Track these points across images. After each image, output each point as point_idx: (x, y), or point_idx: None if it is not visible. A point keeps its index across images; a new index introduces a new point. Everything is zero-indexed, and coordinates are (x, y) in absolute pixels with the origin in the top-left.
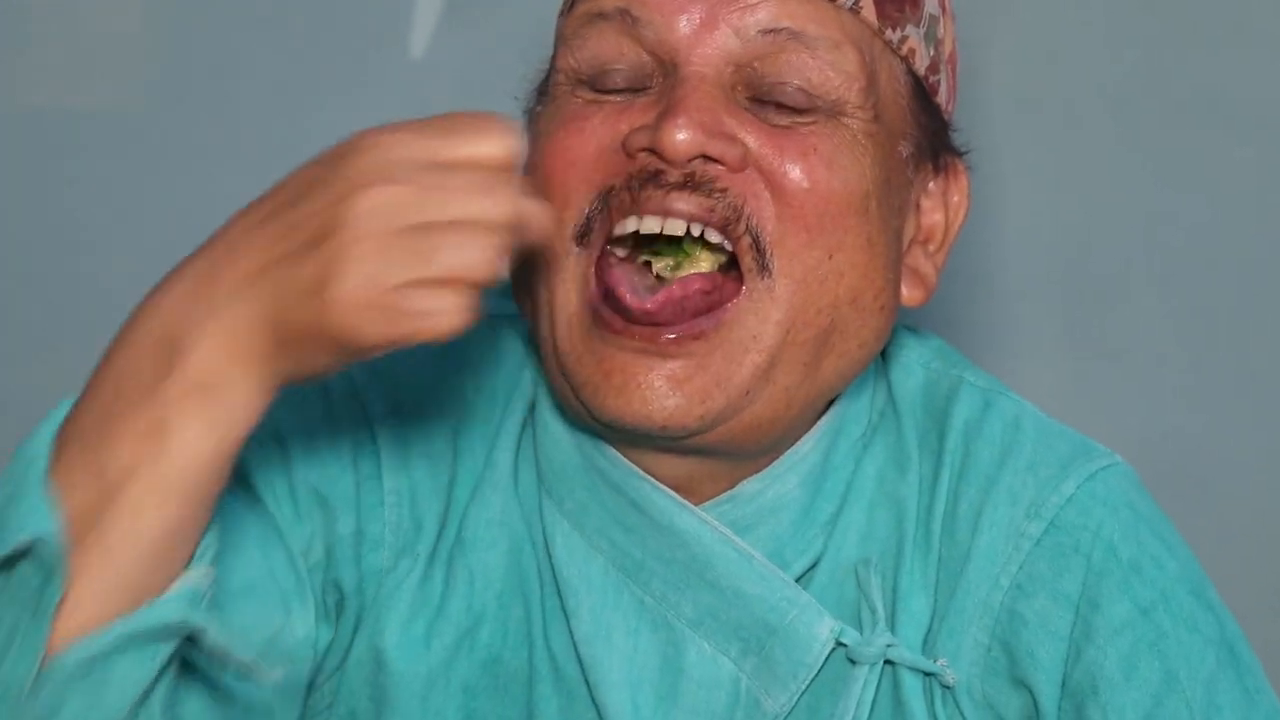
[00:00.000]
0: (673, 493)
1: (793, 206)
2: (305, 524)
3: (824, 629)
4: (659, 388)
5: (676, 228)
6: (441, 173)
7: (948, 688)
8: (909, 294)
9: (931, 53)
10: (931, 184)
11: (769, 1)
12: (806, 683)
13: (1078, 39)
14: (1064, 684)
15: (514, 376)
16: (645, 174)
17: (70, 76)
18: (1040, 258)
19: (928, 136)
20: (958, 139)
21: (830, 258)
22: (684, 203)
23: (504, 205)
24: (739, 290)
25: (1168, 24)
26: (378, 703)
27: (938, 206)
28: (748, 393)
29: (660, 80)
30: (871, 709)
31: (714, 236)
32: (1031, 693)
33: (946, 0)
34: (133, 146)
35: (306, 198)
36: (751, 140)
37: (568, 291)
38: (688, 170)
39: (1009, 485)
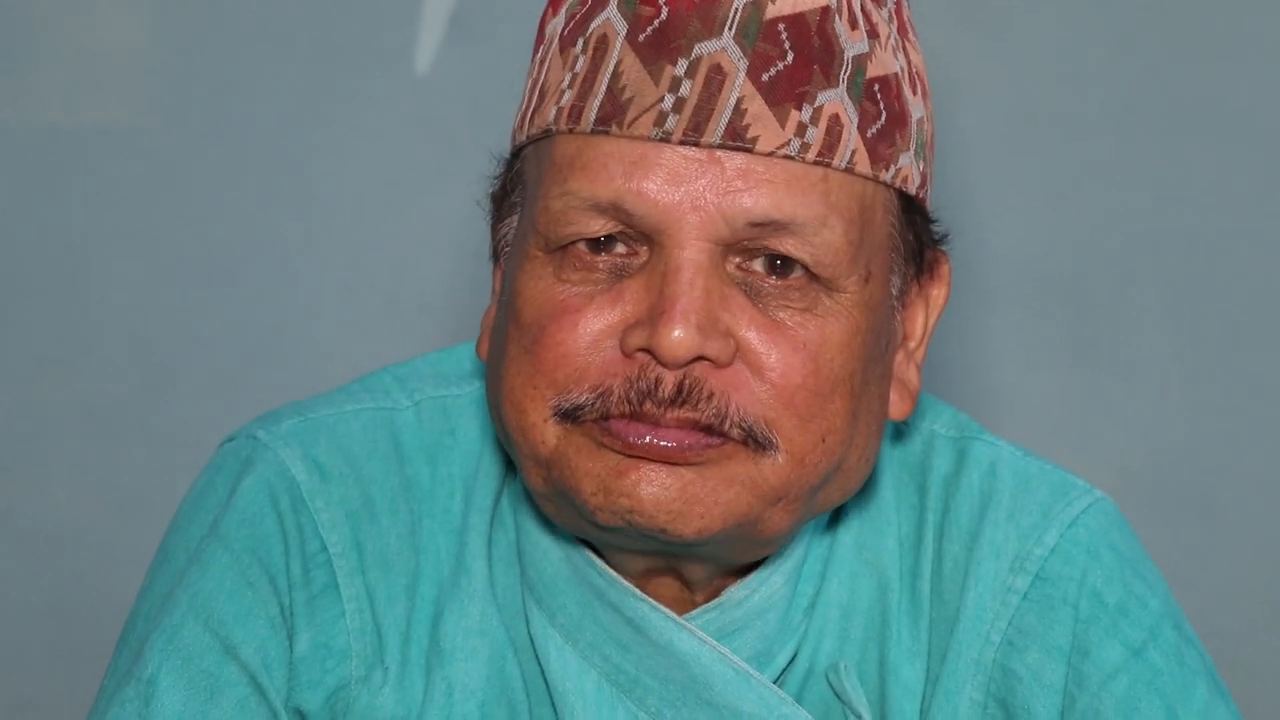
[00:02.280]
0: (669, 612)
1: (783, 398)
2: (280, 666)
3: None
4: (669, 484)
5: (666, 445)
6: None
7: None
8: (897, 408)
9: (921, 166)
10: (914, 289)
11: (757, 190)
12: None
13: (1080, 52)
14: None
15: (472, 462)
16: (644, 388)
17: (78, 92)
18: (1044, 271)
19: (913, 251)
20: (939, 222)
21: (823, 440)
22: (675, 421)
23: None
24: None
25: (1169, 36)
26: None
27: (919, 305)
28: (745, 517)
29: (648, 253)
30: None
31: (702, 440)
32: None
33: (922, 80)
34: (140, 161)
35: None
36: (741, 333)
37: (567, 450)
38: (680, 377)
39: (991, 539)
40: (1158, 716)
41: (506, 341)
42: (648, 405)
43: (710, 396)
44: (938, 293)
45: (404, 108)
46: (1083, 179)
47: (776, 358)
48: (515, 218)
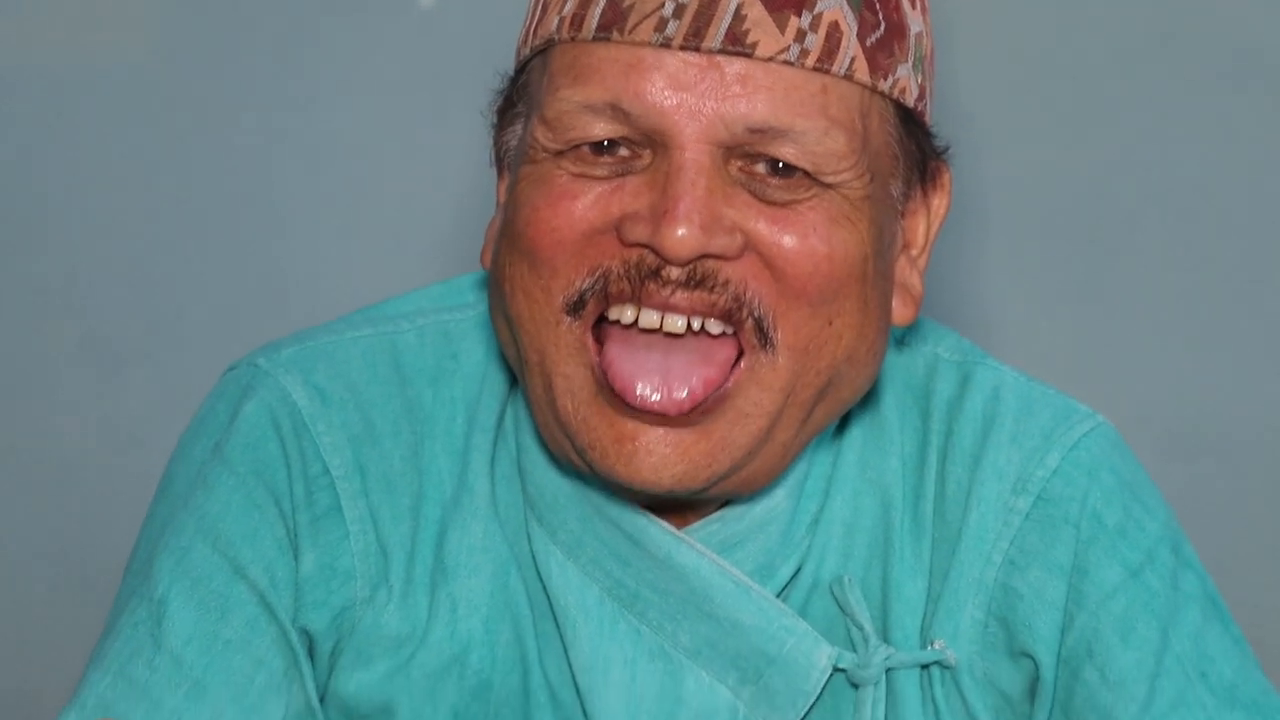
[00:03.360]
0: (669, 526)
1: (794, 285)
2: (287, 586)
3: (822, 656)
4: (668, 454)
5: (676, 324)
6: None
7: (948, 668)
8: (900, 313)
9: (919, 79)
10: (917, 196)
11: (755, 97)
12: (805, 709)
13: None
14: (1059, 652)
15: (475, 384)
16: (645, 269)
17: (78, 27)
18: (1048, 206)
19: (915, 160)
20: (940, 132)
21: (830, 324)
22: (686, 300)
23: None
24: (738, 360)
25: None
26: None
27: (920, 213)
28: (749, 453)
29: (651, 156)
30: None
31: (715, 327)
32: (1035, 663)
33: None
34: (142, 96)
35: None
36: (750, 225)
37: (565, 359)
38: (690, 268)
39: (994, 461)
40: (1152, 637)
41: (507, 243)
42: (650, 285)
43: (726, 283)
44: (939, 202)
45: (408, 42)
46: (1090, 114)
47: (789, 243)
48: (518, 126)
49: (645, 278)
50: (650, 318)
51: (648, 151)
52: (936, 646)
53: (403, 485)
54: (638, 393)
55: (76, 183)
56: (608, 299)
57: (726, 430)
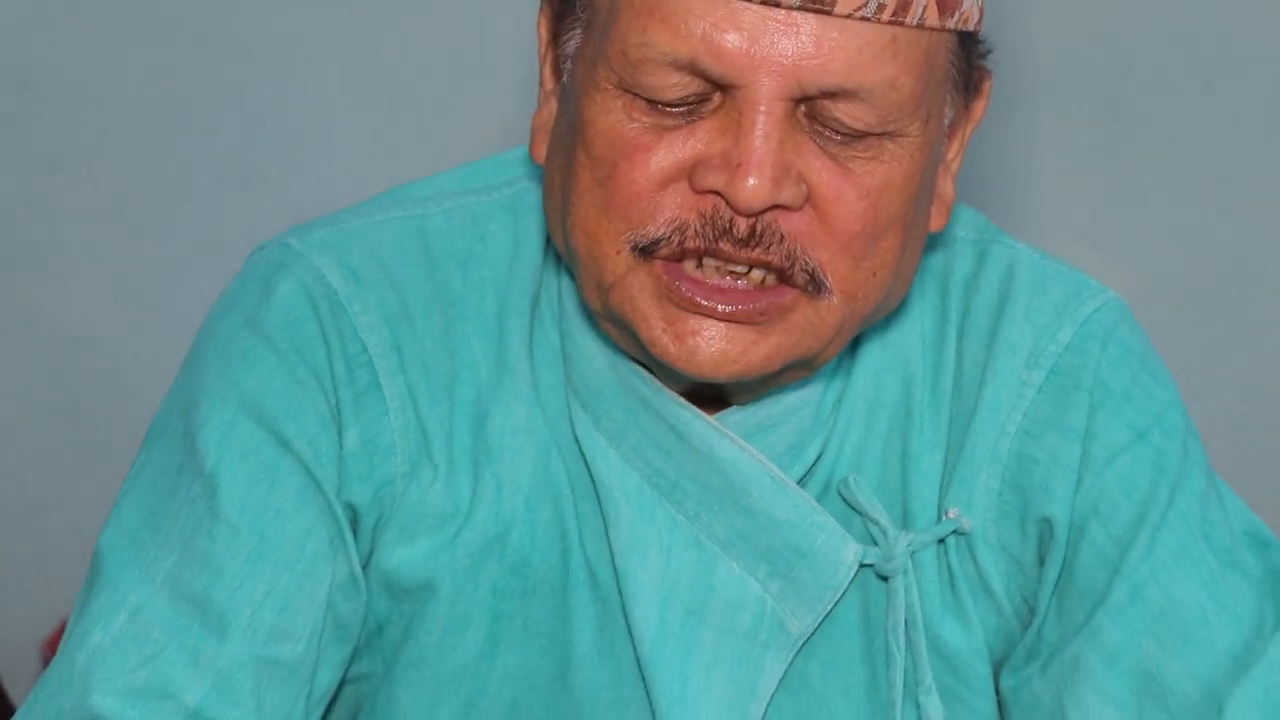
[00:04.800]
0: (711, 420)
1: (841, 241)
2: (331, 459)
3: (849, 553)
4: (728, 349)
5: (736, 269)
6: None
7: (964, 534)
8: (935, 221)
9: (981, 2)
10: (960, 110)
11: (830, 58)
12: (832, 604)
13: None
14: (1071, 514)
15: (504, 266)
16: (720, 225)
17: None
18: (1076, 71)
19: (965, 78)
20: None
21: (874, 275)
22: (746, 257)
23: None
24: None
25: None
26: (405, 609)
27: (960, 124)
28: (801, 361)
29: (721, 99)
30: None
31: (770, 278)
32: (1050, 526)
33: None
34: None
35: None
36: (813, 176)
37: (628, 278)
38: (753, 221)
39: (1008, 337)
40: (1158, 495)
41: (576, 167)
42: (724, 243)
43: (782, 240)
44: (977, 105)
45: None
46: None
47: (842, 204)
48: (579, 32)
49: (719, 236)
50: (709, 302)
51: (718, 94)
52: (951, 515)
53: (436, 366)
54: (703, 299)
55: (87, 39)
56: (683, 252)
57: (782, 338)
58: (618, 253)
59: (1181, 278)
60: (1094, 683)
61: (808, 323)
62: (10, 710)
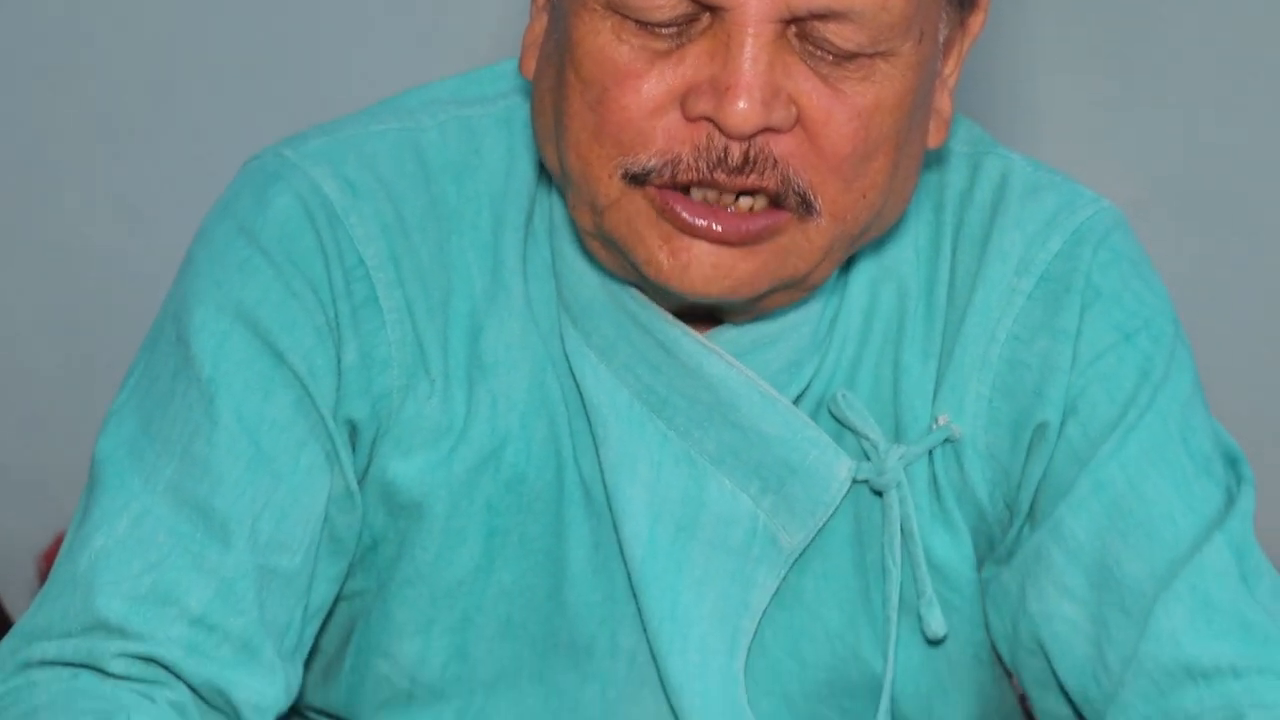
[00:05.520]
0: (700, 337)
1: (831, 164)
2: (327, 374)
3: (842, 468)
4: (719, 266)
5: (724, 235)
6: None
7: (954, 442)
8: (933, 137)
9: None
10: (956, 25)
11: None
12: (824, 519)
13: None
14: (1063, 413)
15: (499, 180)
16: (714, 156)
17: None
18: None
19: None
20: None
21: (864, 197)
22: (739, 184)
23: None
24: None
25: None
26: (400, 526)
27: (957, 39)
28: (791, 281)
29: (709, 19)
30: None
31: (762, 203)
32: (1043, 430)
33: None
34: None
35: None
36: (803, 99)
37: (619, 200)
38: (746, 147)
39: (998, 245)
40: (1141, 398)
41: (566, 89)
42: (718, 173)
43: (775, 164)
44: (974, 19)
45: None
46: None
47: (832, 126)
48: None
49: (713, 167)
50: (703, 223)
51: (706, 14)
52: (941, 422)
53: (432, 280)
54: (697, 219)
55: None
56: (674, 184)
57: (769, 258)
58: (610, 176)
59: (1182, 186)
60: (1054, 575)
61: (795, 244)
62: (7, 622)
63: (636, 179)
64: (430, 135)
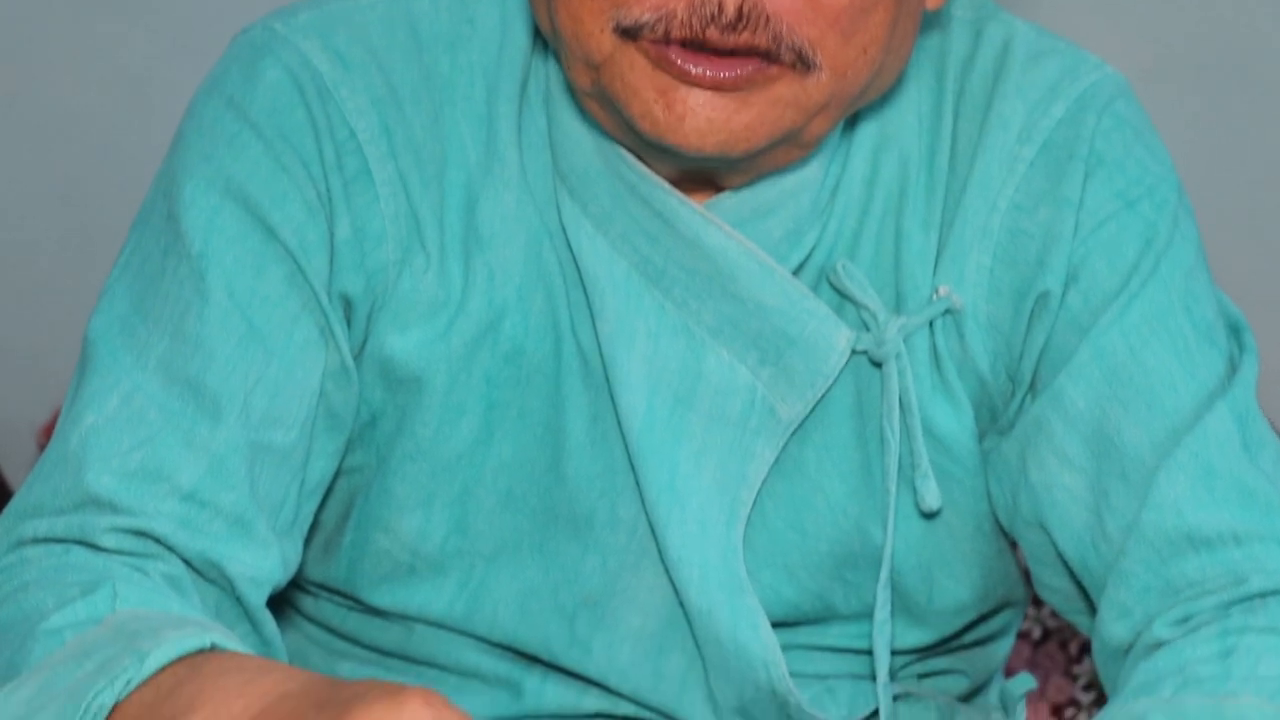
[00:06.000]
0: (698, 206)
1: (830, 16)
2: (319, 249)
3: (841, 339)
4: (714, 118)
5: (720, 82)
6: None
7: (954, 313)
8: (931, 0)
9: None
10: None
11: None
12: (823, 391)
13: None
14: (1065, 281)
15: (493, 49)
16: (707, 13)
17: None
18: None
19: None
20: None
21: (864, 52)
22: (731, 42)
23: None
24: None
25: None
26: (399, 401)
27: None
28: (787, 134)
29: None
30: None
31: (755, 69)
32: (1045, 299)
33: None
34: None
35: (323, 706)
36: None
37: (614, 55)
38: (740, 2)
39: (999, 112)
40: (1144, 266)
41: None
42: (710, 30)
43: (768, 21)
44: None
45: None
46: None
47: None
48: None
49: (705, 24)
50: (699, 70)
51: None
52: (942, 293)
53: (426, 152)
54: (691, 67)
55: None
56: (667, 41)
57: (767, 108)
58: (602, 31)
59: (1188, 55)
60: (1054, 444)
61: (793, 96)
62: (8, 494)
63: (629, 33)
64: (422, 6)
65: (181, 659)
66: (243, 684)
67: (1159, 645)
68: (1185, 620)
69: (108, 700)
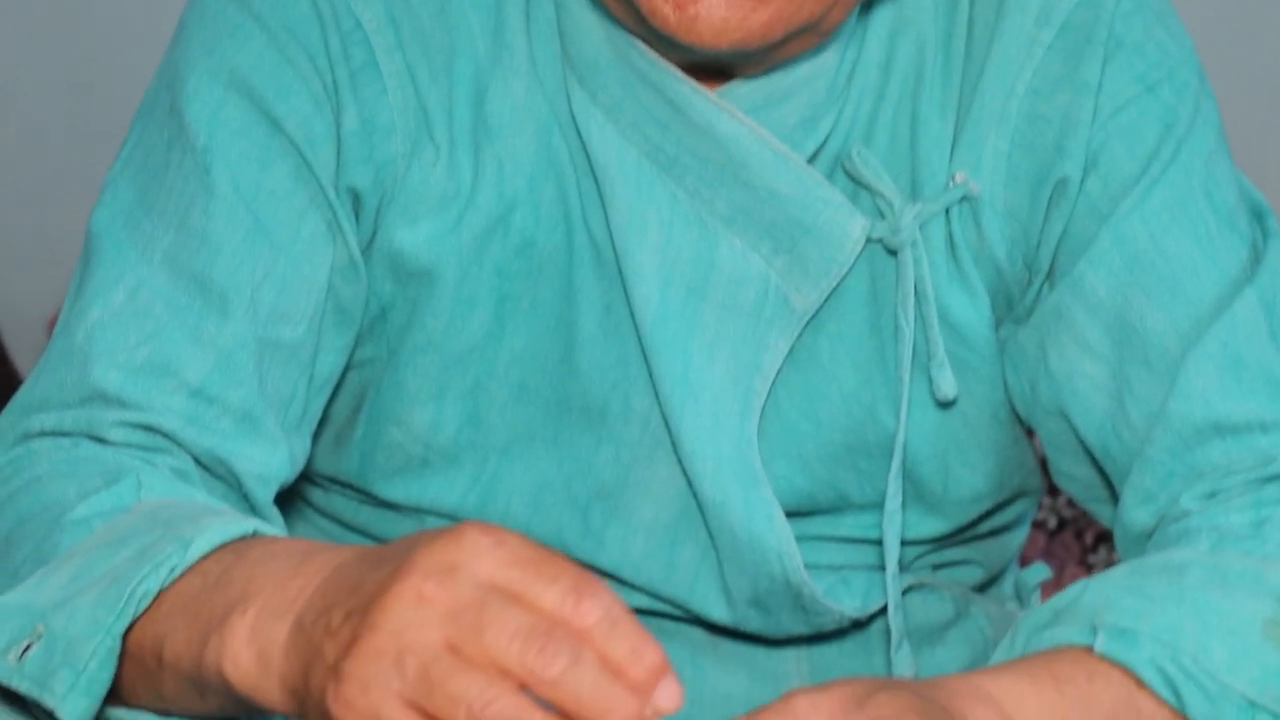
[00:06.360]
0: (710, 94)
1: None
2: (326, 142)
3: (856, 227)
4: (729, 18)
5: None
6: (531, 617)
7: (971, 200)
8: None
9: None
10: None
11: None
12: (838, 279)
13: None
14: (1084, 168)
15: None
16: None
17: None
18: None
19: None
20: None
21: None
22: None
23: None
24: None
25: None
26: (409, 294)
27: None
28: (803, 27)
29: None
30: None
31: None
32: (1064, 187)
33: None
34: None
35: (383, 563)
36: None
37: None
38: None
39: None
40: (1164, 151)
41: None
42: None
43: None
44: None
45: None
46: None
47: None
48: None
49: None
50: None
51: None
52: (959, 180)
53: (434, 42)
54: None
55: None
56: None
57: (785, 4)
58: None
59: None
60: (1074, 332)
61: None
62: (19, 384)
63: None
64: None
65: (225, 546)
66: (294, 566)
67: (1185, 515)
68: (1213, 495)
69: (152, 587)
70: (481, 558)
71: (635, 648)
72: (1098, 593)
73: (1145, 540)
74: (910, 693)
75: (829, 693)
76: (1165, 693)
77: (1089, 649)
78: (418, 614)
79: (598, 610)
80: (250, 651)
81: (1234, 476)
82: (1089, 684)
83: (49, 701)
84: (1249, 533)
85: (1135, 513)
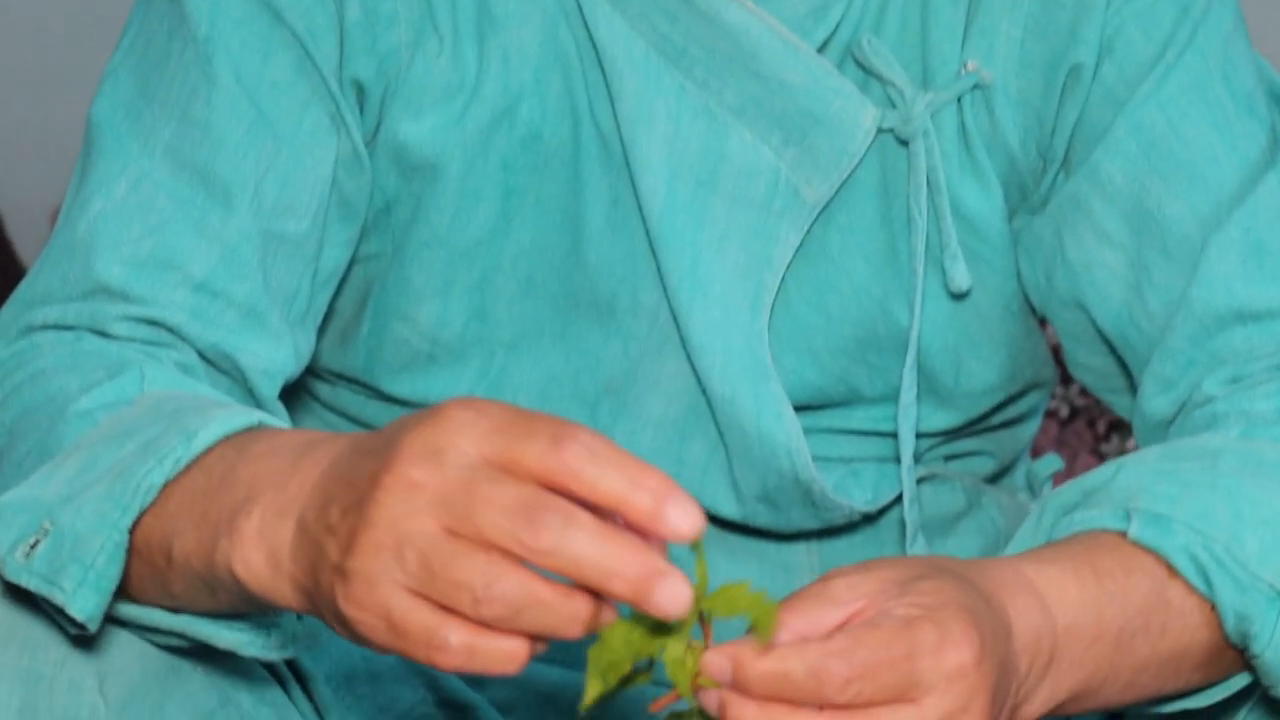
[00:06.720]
0: None
1: None
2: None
3: (866, 117)
4: None
5: None
6: (529, 491)
7: (983, 88)
8: None
9: None
10: None
11: None
12: (849, 171)
13: None
14: (1098, 53)
15: None
16: None
17: None
18: None
19: None
20: None
21: None
22: None
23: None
24: None
25: None
26: (414, 188)
27: None
28: None
29: None
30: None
31: None
32: (1078, 72)
33: None
34: None
35: (372, 453)
36: None
37: None
38: None
39: None
40: (1180, 36)
41: None
42: None
43: None
44: None
45: None
46: None
47: None
48: None
49: None
50: None
51: None
52: (970, 68)
53: None
54: None
55: None
56: None
57: None
58: None
59: None
60: (1091, 221)
61: None
62: (23, 275)
63: None
64: None
65: (228, 439)
66: (293, 463)
67: (1210, 400)
68: (1237, 380)
69: (157, 480)
70: (464, 433)
71: (632, 477)
72: (1131, 476)
73: (1165, 428)
74: (955, 580)
75: (869, 575)
76: (1197, 581)
77: (1122, 534)
78: (410, 502)
79: (579, 450)
80: (260, 554)
81: (1256, 362)
82: (1126, 578)
83: (58, 598)
84: (1277, 418)
85: (1155, 401)
